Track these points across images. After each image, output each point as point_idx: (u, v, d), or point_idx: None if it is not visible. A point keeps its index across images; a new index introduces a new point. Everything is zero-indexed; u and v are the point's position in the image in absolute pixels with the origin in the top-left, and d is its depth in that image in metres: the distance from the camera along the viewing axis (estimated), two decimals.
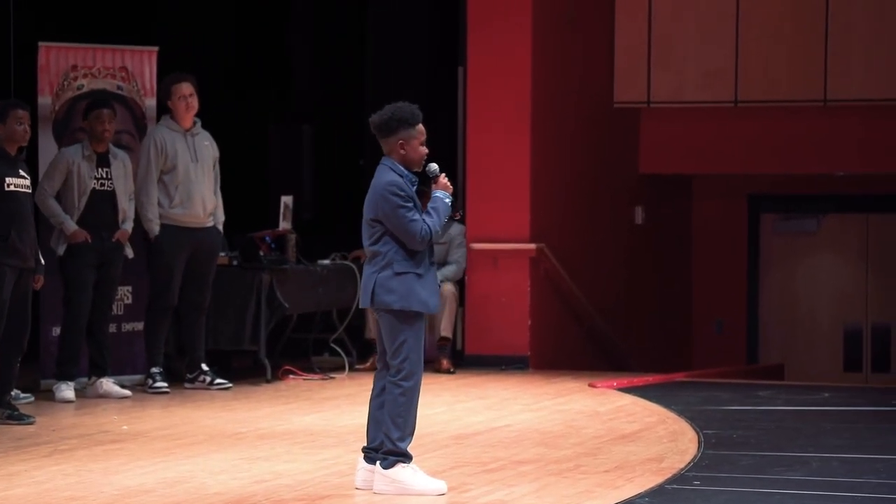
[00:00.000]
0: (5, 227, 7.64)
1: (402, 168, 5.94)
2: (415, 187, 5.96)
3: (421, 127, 5.98)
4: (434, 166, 6.05)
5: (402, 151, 5.94)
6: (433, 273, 6.00)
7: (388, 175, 5.92)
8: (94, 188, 8.80)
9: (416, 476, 5.92)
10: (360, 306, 6.14)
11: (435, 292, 5.99)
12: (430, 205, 5.98)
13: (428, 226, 5.89)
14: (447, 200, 6.00)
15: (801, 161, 12.47)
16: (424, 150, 5.98)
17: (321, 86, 12.33)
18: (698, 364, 12.94)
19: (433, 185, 6.05)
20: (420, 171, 6.01)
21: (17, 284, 7.69)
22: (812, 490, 6.07)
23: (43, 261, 7.98)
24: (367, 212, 5.96)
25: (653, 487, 6.07)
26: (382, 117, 5.97)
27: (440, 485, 5.94)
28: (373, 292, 5.92)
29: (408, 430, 5.94)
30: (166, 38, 10.30)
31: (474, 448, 7.11)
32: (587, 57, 12.01)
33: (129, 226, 8.94)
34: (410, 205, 5.89)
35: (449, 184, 6.05)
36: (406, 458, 5.94)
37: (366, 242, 5.99)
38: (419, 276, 5.91)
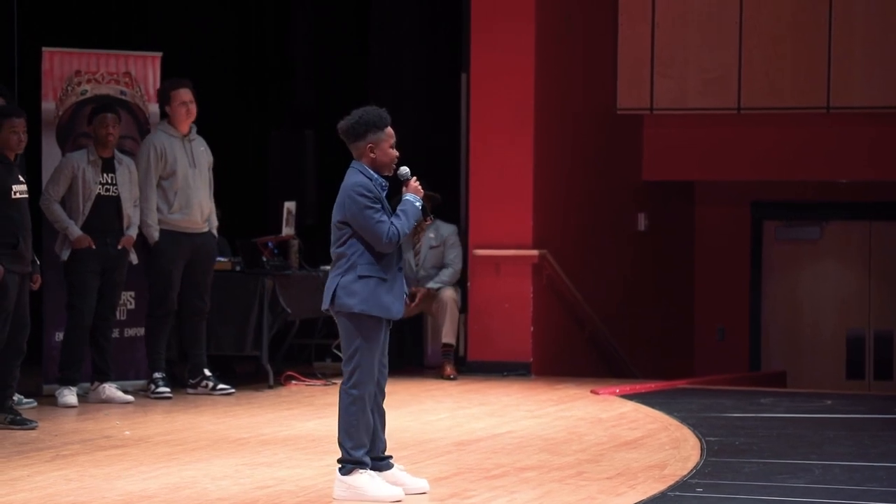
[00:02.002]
0: (13, 234, 7.65)
1: (372, 171, 5.89)
2: (385, 191, 5.92)
3: (390, 130, 5.93)
4: (405, 169, 5.99)
5: (371, 155, 5.90)
6: (400, 279, 5.91)
7: (356, 177, 5.87)
8: (99, 193, 8.81)
9: (373, 482, 5.88)
10: (322, 308, 6.03)
11: (400, 298, 5.89)
12: (399, 207, 5.90)
13: (396, 228, 5.81)
14: (417, 204, 5.93)
15: (804, 168, 12.47)
16: (394, 152, 5.93)
17: (323, 91, 12.33)
18: (700, 371, 12.94)
19: (404, 189, 5.99)
20: (391, 174, 5.96)
21: (18, 288, 7.69)
22: (815, 498, 6.06)
23: (38, 261, 7.98)
24: (335, 214, 5.89)
25: (655, 494, 6.06)
26: (350, 122, 5.93)
27: (397, 492, 5.89)
28: (334, 294, 5.84)
29: (361, 438, 5.88)
30: (169, 43, 10.31)
31: (477, 454, 7.10)
32: (590, 63, 12.01)
33: (133, 231, 8.95)
34: (378, 206, 5.82)
35: (420, 187, 5.98)
36: (362, 465, 5.90)
37: (332, 246, 5.90)
38: (384, 280, 5.83)
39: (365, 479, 5.86)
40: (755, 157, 12.49)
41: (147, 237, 9.11)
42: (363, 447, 5.87)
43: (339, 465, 5.91)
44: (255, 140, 12.16)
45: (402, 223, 5.84)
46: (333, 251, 5.91)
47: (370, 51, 12.08)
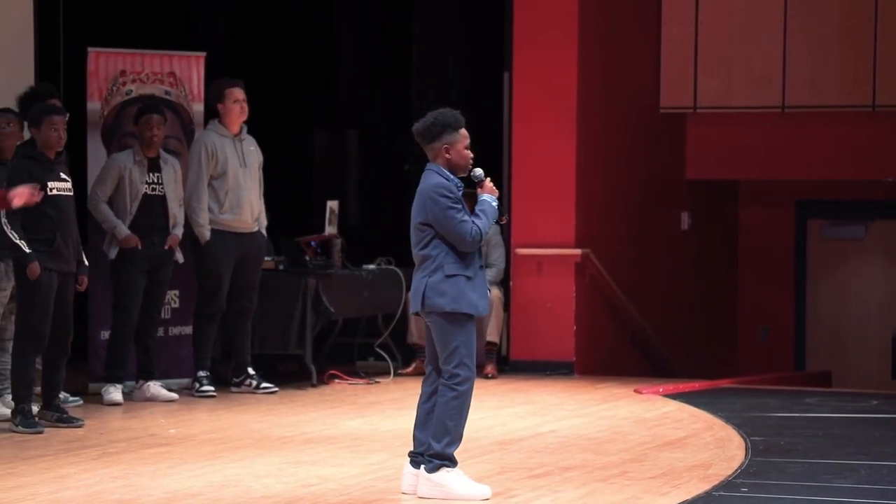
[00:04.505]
0: (50, 231, 7.66)
1: (448, 173, 5.95)
2: (461, 192, 5.97)
3: (464, 131, 5.99)
4: (479, 171, 6.06)
5: (447, 156, 5.95)
6: (482, 275, 6.00)
7: (434, 179, 5.92)
8: (145, 193, 8.85)
9: (460, 480, 5.92)
10: (411, 311, 6.14)
11: (484, 295, 5.98)
12: (477, 207, 5.98)
13: (478, 227, 5.89)
14: (494, 204, 6.01)
15: (848, 167, 12.38)
16: (469, 154, 6.00)
17: (366, 90, 12.36)
18: (744, 370, 12.87)
19: (479, 189, 6.06)
20: (466, 175, 6.01)
21: (59, 288, 7.70)
22: (861, 498, 6.02)
23: (87, 262, 8.00)
24: (416, 216, 5.95)
25: (700, 494, 6.04)
26: (425, 124, 5.97)
27: (484, 490, 5.93)
28: (424, 296, 5.91)
29: (457, 434, 5.94)
30: (213, 43, 10.35)
31: (520, 453, 7.10)
32: (633, 62, 11.97)
33: (179, 231, 8.99)
34: (459, 206, 5.89)
35: (495, 187, 6.06)
36: (451, 462, 5.93)
37: (415, 249, 5.97)
38: (469, 278, 5.90)
39: (452, 476, 5.91)
40: (799, 156, 12.41)
41: (198, 236, 9.14)
42: (457, 443, 5.92)
43: (427, 462, 5.92)
44: (298, 139, 12.19)
45: (482, 222, 5.92)
46: (416, 253, 5.97)
47: (413, 50, 12.09)
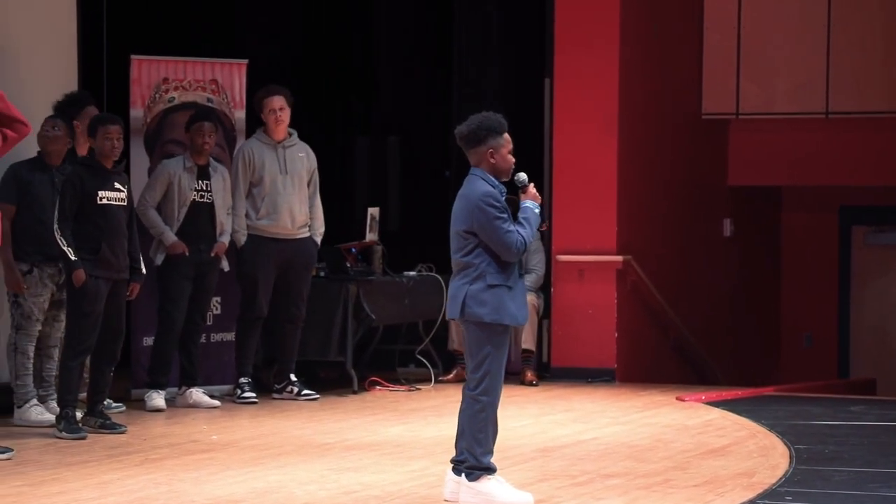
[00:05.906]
0: (96, 239, 7.70)
1: (493, 178, 5.92)
2: (503, 196, 5.94)
3: (507, 135, 5.94)
4: (523, 175, 6.01)
5: (491, 161, 5.91)
6: (522, 285, 5.96)
7: (481, 186, 5.87)
8: (194, 200, 8.88)
9: (501, 487, 5.90)
10: (447, 317, 6.11)
11: (524, 304, 5.96)
12: (520, 215, 5.92)
13: (522, 237, 5.85)
14: (536, 210, 5.97)
15: (893, 173, 12.29)
16: (512, 158, 5.96)
17: (407, 97, 12.38)
18: (787, 378, 12.79)
19: (522, 195, 6.00)
20: (508, 180, 5.98)
21: (111, 295, 7.75)
22: None
23: (144, 269, 8.02)
24: (459, 223, 5.90)
25: (744, 503, 6.00)
26: (470, 128, 5.93)
27: (526, 497, 5.91)
28: (463, 303, 5.88)
29: (489, 444, 5.92)
30: (255, 51, 10.39)
31: (562, 461, 7.07)
32: (675, 67, 11.93)
33: (226, 238, 9.03)
34: (505, 216, 5.84)
35: (537, 193, 6.02)
36: (490, 471, 5.92)
37: (455, 254, 5.92)
38: (510, 288, 5.87)
39: (493, 484, 5.89)
40: (843, 162, 12.33)
41: (235, 242, 9.18)
42: (491, 453, 5.91)
43: (467, 473, 5.91)
44: (340, 146, 12.22)
45: (526, 231, 5.88)
46: (457, 259, 5.92)
47: (454, 57, 12.10)
